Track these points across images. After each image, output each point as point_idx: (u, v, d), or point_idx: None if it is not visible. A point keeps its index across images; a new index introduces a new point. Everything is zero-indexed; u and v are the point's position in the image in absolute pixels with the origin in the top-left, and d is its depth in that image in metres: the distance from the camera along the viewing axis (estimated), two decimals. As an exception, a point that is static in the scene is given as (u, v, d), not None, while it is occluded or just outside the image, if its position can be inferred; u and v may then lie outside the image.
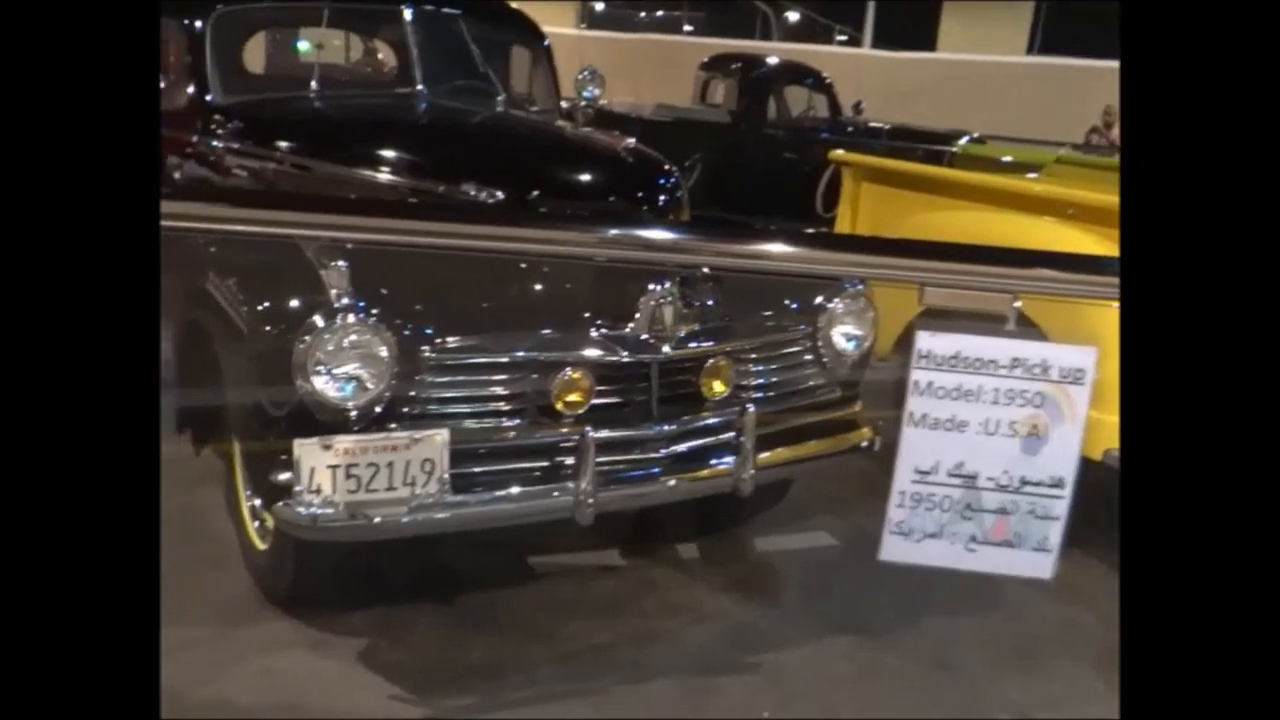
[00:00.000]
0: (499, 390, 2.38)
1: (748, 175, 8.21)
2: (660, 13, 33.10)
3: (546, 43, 4.11)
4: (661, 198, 2.58)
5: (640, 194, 2.60)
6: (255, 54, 4.06)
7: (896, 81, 13.61)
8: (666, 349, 2.51)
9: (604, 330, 2.48)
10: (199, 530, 2.95)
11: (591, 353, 2.45)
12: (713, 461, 2.58)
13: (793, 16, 26.71)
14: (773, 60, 9.05)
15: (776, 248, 1.31)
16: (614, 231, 1.34)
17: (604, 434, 2.42)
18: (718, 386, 2.65)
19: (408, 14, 3.63)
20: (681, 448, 2.55)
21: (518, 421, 2.40)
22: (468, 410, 2.36)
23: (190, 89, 3.41)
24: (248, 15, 3.61)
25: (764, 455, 2.63)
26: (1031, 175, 4.93)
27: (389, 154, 2.93)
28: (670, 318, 2.50)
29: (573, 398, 2.43)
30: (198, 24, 3.41)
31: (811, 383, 2.88)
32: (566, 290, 2.54)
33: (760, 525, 3.30)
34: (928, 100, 12.49)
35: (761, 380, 2.76)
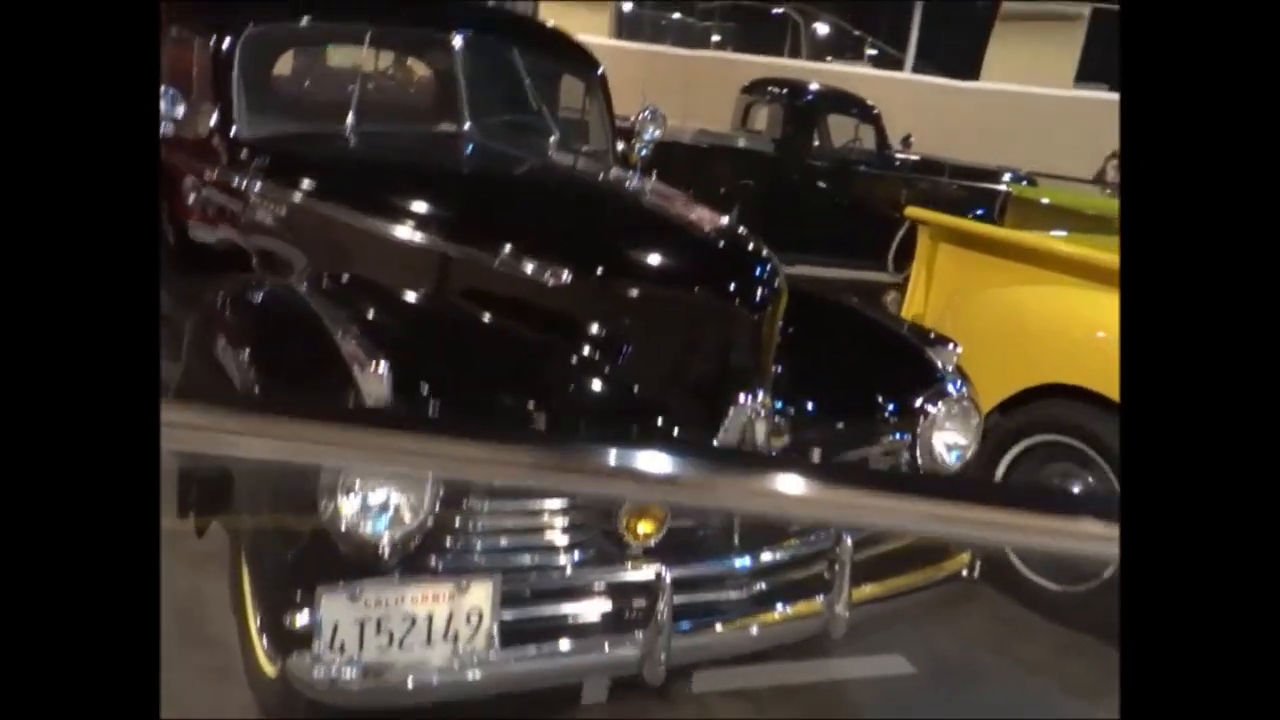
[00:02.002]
0: (559, 520, 2.01)
1: (791, 208, 7.84)
2: (689, 19, 32.76)
3: (601, 71, 3.74)
4: (758, 291, 2.19)
5: (732, 285, 2.20)
6: (285, 70, 3.70)
7: (939, 109, 13.21)
8: None
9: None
10: (201, 628, 2.58)
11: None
12: (801, 600, 2.20)
13: (823, 29, 26.34)
14: (818, 87, 8.66)
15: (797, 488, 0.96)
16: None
17: (679, 571, 2.05)
18: None
19: (457, 41, 3.26)
20: (765, 584, 2.18)
21: (579, 556, 2.02)
22: (520, 544, 1.99)
23: (214, 119, 3.04)
24: (281, 34, 3.25)
25: (857, 590, 2.26)
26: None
27: (431, 210, 2.53)
28: (763, 434, 2.13)
29: (644, 527, 2.06)
30: (225, 45, 3.04)
31: None
32: (639, 393, 2.17)
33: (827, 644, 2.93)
34: (971, 131, 12.11)
35: (854, 499, 2.38)
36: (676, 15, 31.26)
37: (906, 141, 8.62)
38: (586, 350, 2.19)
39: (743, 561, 2.15)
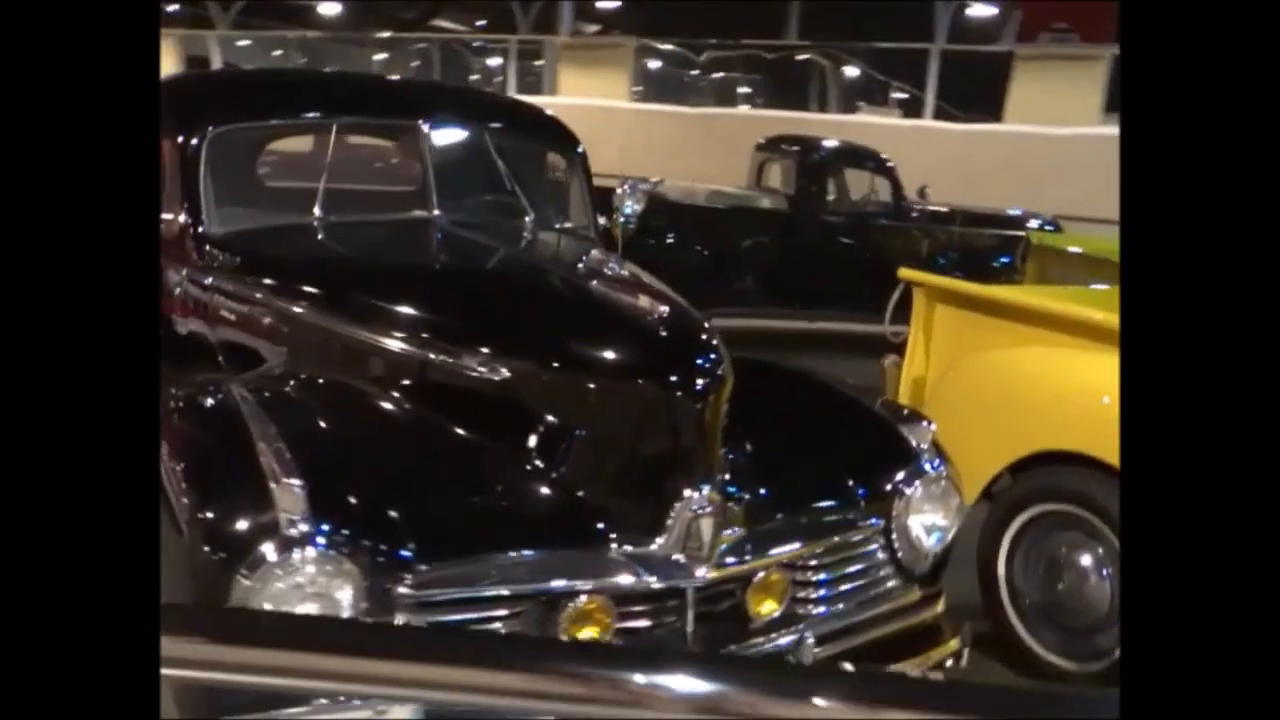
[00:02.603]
0: (495, 630, 1.91)
1: (807, 265, 7.74)
2: (718, 75, 33.07)
3: (580, 149, 3.69)
4: (699, 382, 2.10)
5: (670, 376, 2.11)
6: (269, 159, 3.70)
7: (963, 155, 13.08)
8: (702, 571, 2.03)
9: (625, 547, 2.00)
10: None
11: (609, 579, 1.97)
12: None
13: (851, 72, 26.36)
14: (832, 142, 8.60)
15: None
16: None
17: None
18: (768, 606, 2.16)
19: (425, 128, 3.23)
20: None
21: None
22: None
23: (182, 217, 3.03)
24: (249, 132, 3.24)
25: None
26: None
27: (392, 308, 2.48)
28: (709, 533, 2.02)
29: (588, 633, 1.96)
30: (191, 144, 3.04)
31: (886, 586, 2.38)
32: (578, 495, 2.08)
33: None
34: (997, 177, 11.95)
35: (824, 593, 2.26)
36: (696, 72, 31.57)
37: (922, 193, 8.51)
38: (526, 450, 2.11)
39: None
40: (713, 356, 2.14)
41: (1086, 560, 3.15)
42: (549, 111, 3.88)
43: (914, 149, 12.85)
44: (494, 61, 24.07)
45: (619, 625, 2.00)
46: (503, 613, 1.93)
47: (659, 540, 2.01)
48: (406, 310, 2.45)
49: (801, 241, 7.71)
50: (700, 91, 33.34)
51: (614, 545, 2.00)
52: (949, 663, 2.40)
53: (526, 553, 1.97)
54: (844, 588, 2.30)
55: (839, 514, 2.32)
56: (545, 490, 2.09)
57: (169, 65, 24.20)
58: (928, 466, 2.42)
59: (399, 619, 1.85)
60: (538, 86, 18.02)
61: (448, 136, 3.34)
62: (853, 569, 2.32)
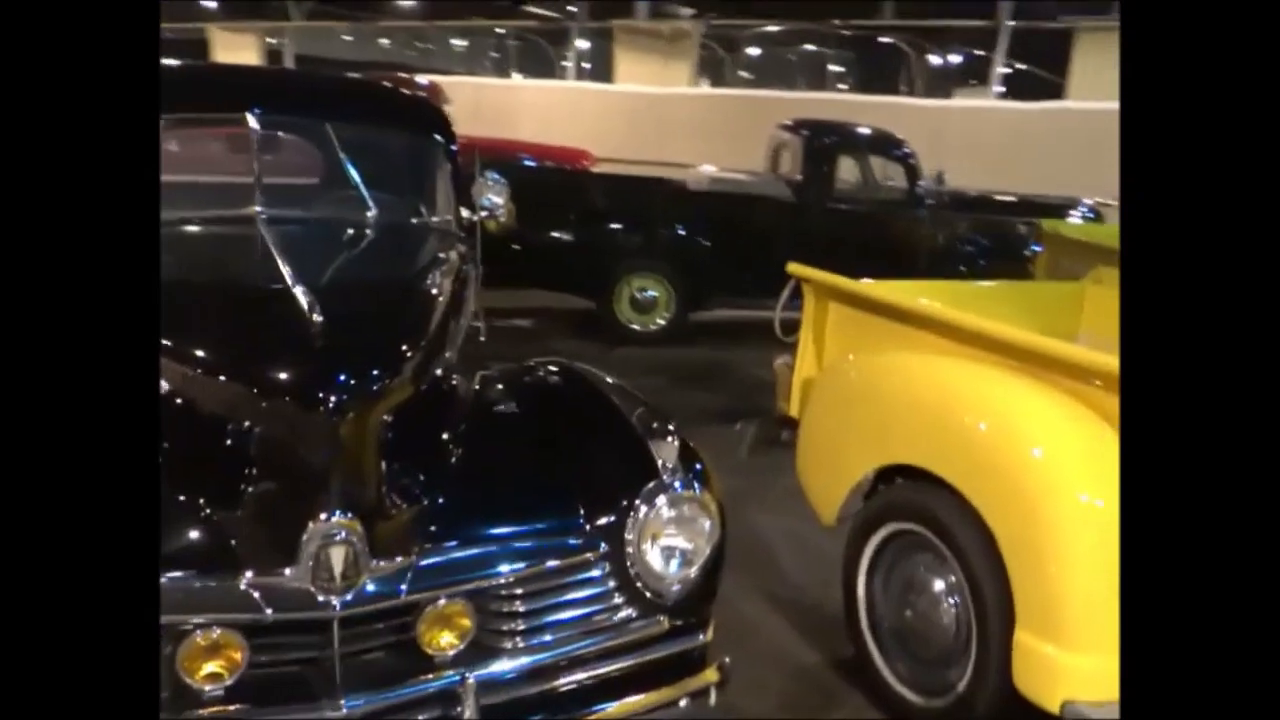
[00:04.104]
0: None
1: (810, 255, 7.40)
2: (808, 46, 32.30)
3: (442, 138, 3.52)
4: (331, 399, 1.94)
5: (302, 394, 1.98)
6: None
7: (1023, 135, 12.47)
8: (333, 601, 1.86)
9: (255, 575, 1.86)
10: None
11: (227, 613, 1.83)
12: None
13: (940, 56, 25.49)
14: (845, 126, 8.22)
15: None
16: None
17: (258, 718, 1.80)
18: (446, 639, 1.99)
19: (252, 119, 3.13)
20: None
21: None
22: None
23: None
24: None
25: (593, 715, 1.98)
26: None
27: (198, 341, 2.28)
28: (341, 563, 1.85)
29: (213, 668, 1.82)
30: None
31: (619, 616, 2.18)
32: (215, 519, 1.94)
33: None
34: (1057, 156, 11.34)
35: (523, 625, 2.07)
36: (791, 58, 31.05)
37: (940, 178, 8.07)
38: (181, 467, 1.98)
39: (344, 706, 1.87)
40: (358, 374, 1.97)
41: (938, 585, 2.87)
42: (414, 94, 3.73)
43: (971, 131, 12.31)
44: (583, 44, 24.09)
45: (257, 658, 1.86)
46: None
47: (288, 570, 1.85)
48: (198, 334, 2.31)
49: (804, 230, 7.38)
50: (790, 72, 32.79)
51: (247, 574, 1.86)
52: (708, 687, 2.20)
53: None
54: (555, 618, 2.11)
55: (549, 537, 2.12)
56: (191, 512, 1.95)
57: (250, 57, 24.90)
58: (674, 486, 2.20)
59: None
60: (606, 73, 17.91)
61: (279, 128, 3.23)
62: (567, 598, 2.13)
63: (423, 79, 10.42)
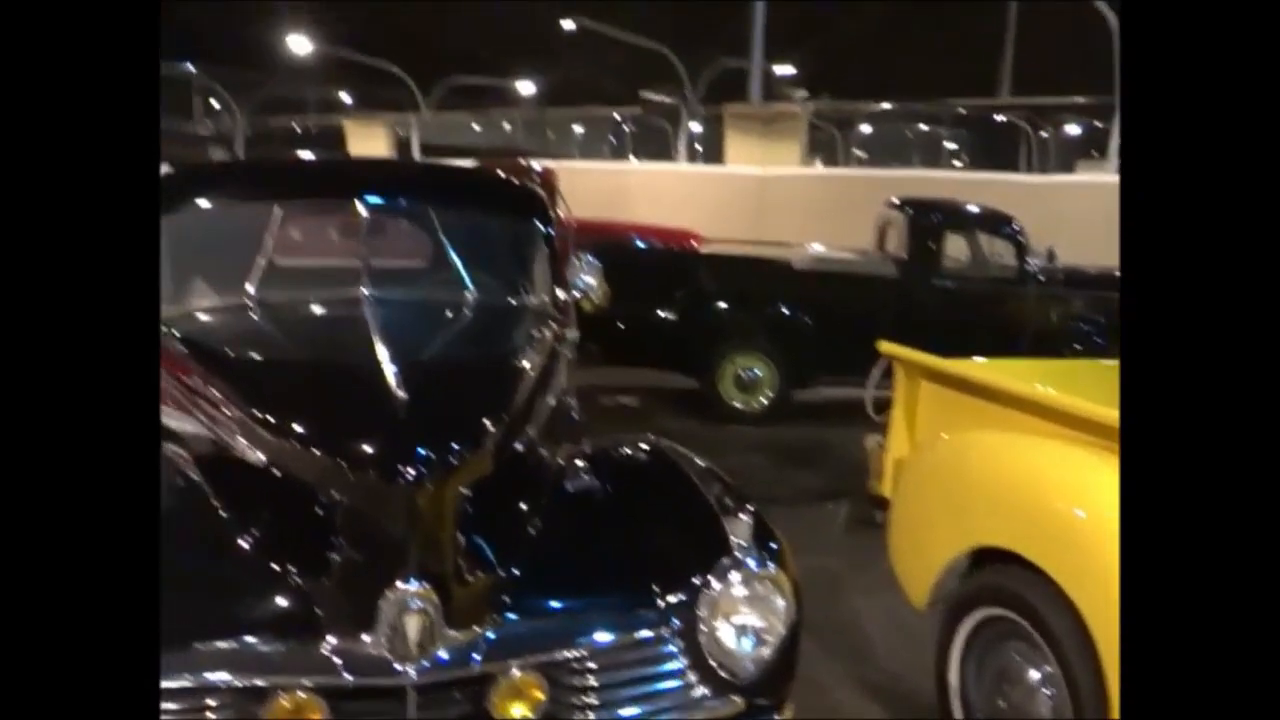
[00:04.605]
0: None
1: (918, 335, 7.32)
2: (922, 125, 32.24)
3: (542, 223, 3.65)
4: (409, 471, 2.04)
5: (382, 466, 2.08)
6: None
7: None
8: (411, 670, 1.93)
9: (336, 641, 1.94)
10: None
11: (311, 674, 1.91)
12: None
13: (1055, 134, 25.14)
14: (951, 204, 8.16)
15: None
16: None
17: None
18: (518, 710, 2.02)
19: (360, 206, 3.32)
20: None
21: None
22: None
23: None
24: (200, 216, 3.41)
25: None
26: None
27: (226, 388, 2.55)
28: (416, 631, 1.92)
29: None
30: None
31: (693, 694, 2.18)
32: (297, 582, 2.04)
33: None
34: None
35: (596, 699, 2.09)
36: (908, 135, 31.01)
37: (1050, 255, 7.91)
38: (267, 535, 2.11)
39: None
40: (437, 447, 2.07)
41: (1033, 676, 2.78)
42: (527, 185, 3.89)
43: (1094, 207, 12.04)
44: (696, 128, 24.60)
45: None
46: (206, 703, 1.90)
47: (366, 636, 1.93)
48: (231, 389, 2.51)
49: (910, 309, 7.32)
50: (905, 150, 32.70)
51: (329, 639, 1.94)
52: None
53: (239, 642, 1.94)
54: (628, 692, 2.13)
55: (623, 613, 2.15)
56: (280, 579, 2.06)
57: (379, 149, 26.14)
58: (747, 563, 2.21)
59: None
60: (717, 154, 18.23)
61: (387, 214, 3.41)
62: (638, 673, 2.14)
63: (537, 164, 10.78)
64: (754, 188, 13.59)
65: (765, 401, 7.62)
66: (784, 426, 7.40)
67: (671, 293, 7.70)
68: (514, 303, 3.53)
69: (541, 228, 3.66)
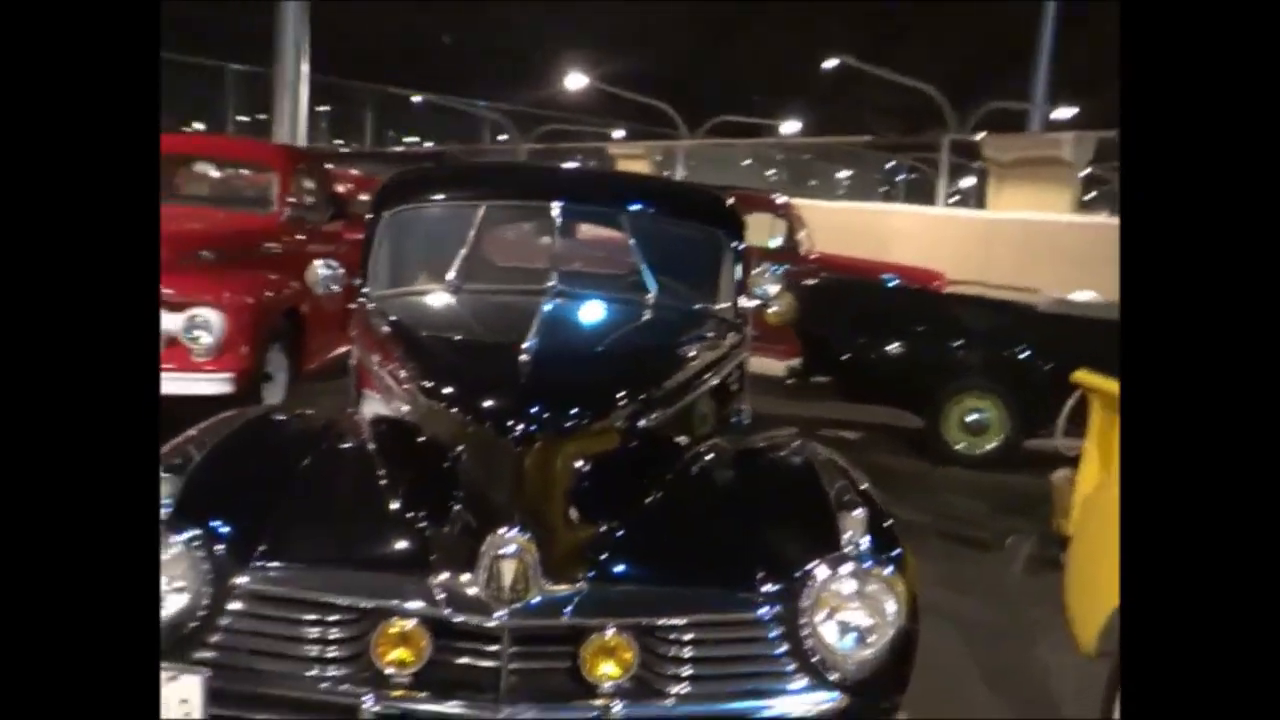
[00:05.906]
0: (312, 633, 2.10)
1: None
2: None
3: (731, 235, 3.72)
4: (519, 427, 2.20)
5: (498, 421, 2.26)
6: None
7: None
8: (502, 614, 2.04)
9: (441, 578, 2.09)
10: None
11: (414, 604, 2.07)
12: None
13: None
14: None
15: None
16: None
17: (429, 707, 2.02)
18: (608, 670, 2.09)
19: (555, 209, 3.54)
20: None
21: (328, 673, 2.08)
22: (275, 651, 2.10)
23: (356, 279, 3.59)
24: (413, 214, 3.72)
25: None
26: None
27: (411, 361, 2.85)
28: (510, 576, 2.03)
29: (399, 655, 2.06)
30: (373, 222, 3.62)
31: (788, 683, 2.17)
32: (420, 526, 2.22)
33: None
34: None
35: (688, 670, 2.12)
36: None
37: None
38: (403, 479, 2.35)
39: (505, 712, 2.04)
40: (553, 409, 2.20)
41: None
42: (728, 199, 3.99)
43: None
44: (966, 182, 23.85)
45: (436, 657, 2.08)
46: (326, 618, 2.11)
47: (467, 577, 2.07)
48: (404, 357, 2.81)
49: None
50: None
51: (437, 576, 2.10)
52: None
53: (360, 570, 2.15)
54: (720, 670, 2.14)
55: (721, 589, 2.17)
56: (404, 522, 2.26)
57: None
58: (858, 560, 2.18)
59: (235, 605, 2.11)
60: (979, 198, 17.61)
61: (578, 217, 3.62)
62: (732, 652, 2.16)
63: (780, 198, 10.92)
64: (1016, 233, 13.06)
65: (992, 446, 7.27)
66: (1010, 474, 7.02)
67: (906, 329, 7.54)
68: (695, 308, 3.62)
69: (729, 238, 3.74)
